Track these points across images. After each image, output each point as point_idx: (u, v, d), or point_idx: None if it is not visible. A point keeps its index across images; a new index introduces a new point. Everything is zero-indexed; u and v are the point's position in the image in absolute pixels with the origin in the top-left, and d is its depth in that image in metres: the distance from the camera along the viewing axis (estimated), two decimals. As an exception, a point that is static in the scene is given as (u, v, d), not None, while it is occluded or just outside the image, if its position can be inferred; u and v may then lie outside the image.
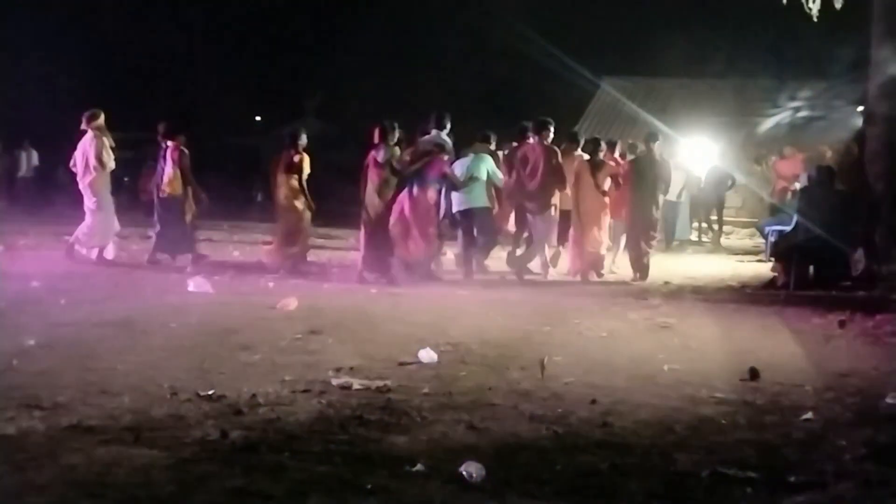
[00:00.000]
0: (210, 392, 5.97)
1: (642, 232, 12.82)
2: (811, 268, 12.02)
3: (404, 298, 10.56)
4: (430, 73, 32.22)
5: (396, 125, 12.27)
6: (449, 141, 12.84)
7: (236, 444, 5.00)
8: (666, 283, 12.51)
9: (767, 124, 23.09)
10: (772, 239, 13.80)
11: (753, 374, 6.82)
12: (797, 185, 15.81)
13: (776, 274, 12.32)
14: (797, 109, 22.54)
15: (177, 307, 9.50)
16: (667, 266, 14.65)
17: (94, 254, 13.32)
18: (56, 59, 30.97)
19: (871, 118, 13.70)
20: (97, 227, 13.29)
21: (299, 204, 12.78)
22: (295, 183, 12.78)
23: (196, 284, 10.77)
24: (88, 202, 13.41)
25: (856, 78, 17.10)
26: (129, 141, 38.48)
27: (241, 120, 35.11)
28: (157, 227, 13.48)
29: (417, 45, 32.42)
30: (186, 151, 13.56)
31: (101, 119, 13.40)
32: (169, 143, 13.46)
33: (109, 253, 13.55)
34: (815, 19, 10.73)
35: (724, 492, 4.47)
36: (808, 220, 11.82)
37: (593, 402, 6.02)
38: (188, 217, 13.29)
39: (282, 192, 12.88)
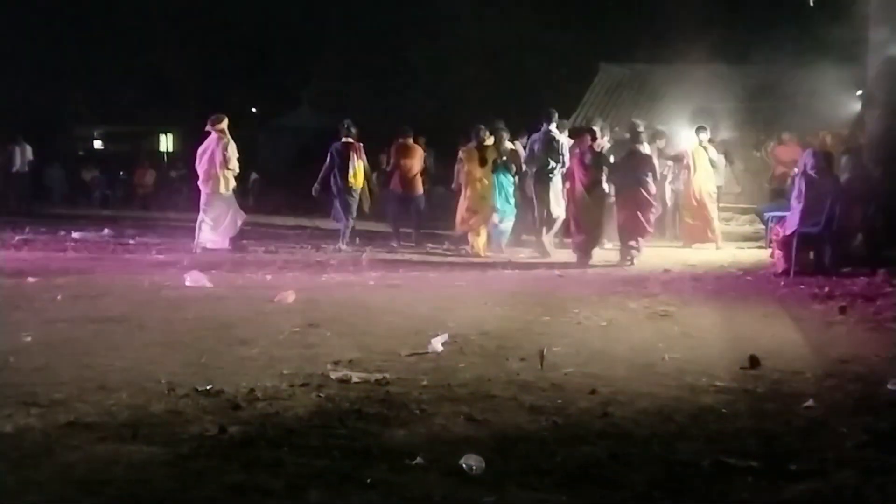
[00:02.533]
0: (208, 387, 5.97)
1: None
2: (811, 254, 12.03)
3: (402, 290, 10.57)
4: (426, 62, 32.16)
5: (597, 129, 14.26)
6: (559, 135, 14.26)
7: (234, 439, 5.00)
8: (665, 270, 12.52)
9: (766, 110, 23.03)
10: (771, 225, 13.80)
11: (754, 361, 6.82)
12: (796, 171, 15.80)
13: (776, 260, 12.34)
14: (796, 94, 22.48)
15: (174, 302, 9.51)
16: (666, 254, 14.67)
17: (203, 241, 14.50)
18: (46, 55, 30.96)
19: (870, 101, 13.69)
20: (218, 223, 14.62)
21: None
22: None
23: (193, 279, 10.77)
24: (205, 195, 14.62)
25: (854, 62, 17.06)
26: (122, 135, 38.50)
27: (236, 111, 35.10)
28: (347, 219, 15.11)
29: (413, 34, 32.34)
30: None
31: (225, 122, 14.55)
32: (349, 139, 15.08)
33: (219, 243, 14.62)
34: (812, 3, 10.69)
35: (725, 481, 4.47)
36: (807, 205, 11.81)
37: (593, 392, 6.03)
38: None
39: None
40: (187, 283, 10.63)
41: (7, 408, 5.46)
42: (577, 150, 13.83)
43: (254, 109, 36.94)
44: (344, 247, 15.12)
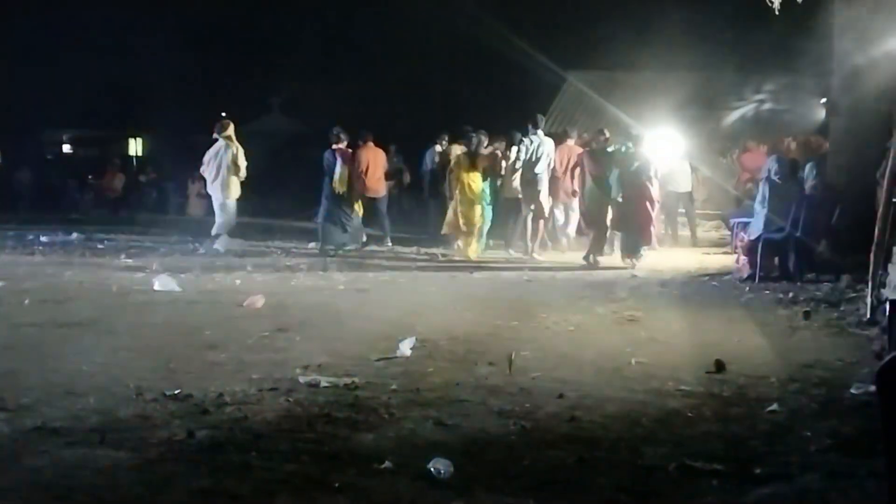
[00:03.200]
0: (176, 392, 5.94)
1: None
2: (776, 259, 12.11)
3: (371, 295, 10.55)
4: (394, 68, 32.16)
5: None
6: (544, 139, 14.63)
7: (203, 443, 4.98)
8: (633, 276, 12.57)
9: (732, 117, 23.23)
10: (737, 231, 13.89)
11: (719, 366, 6.86)
12: (761, 177, 15.92)
13: (741, 266, 12.43)
14: (761, 102, 22.68)
15: (143, 306, 9.45)
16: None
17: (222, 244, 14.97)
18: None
19: (835, 110, 13.79)
20: (223, 220, 15.13)
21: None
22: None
23: (162, 283, 10.71)
24: (217, 201, 15.15)
25: (818, 71, 17.22)
26: (92, 140, 38.15)
27: (206, 116, 34.95)
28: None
29: (382, 40, 32.33)
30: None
31: (231, 128, 15.06)
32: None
33: (222, 245, 15.02)
34: (777, 12, 10.78)
35: (691, 484, 4.50)
36: (771, 212, 11.90)
37: (561, 396, 6.04)
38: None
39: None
40: (156, 288, 10.56)
41: (-27, 412, 5.41)
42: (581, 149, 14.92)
43: (223, 114, 36.76)
44: (314, 246, 15.50)
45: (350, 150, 15.64)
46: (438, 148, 17.78)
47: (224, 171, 14.92)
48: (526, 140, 14.63)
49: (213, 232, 15.37)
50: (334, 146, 15.52)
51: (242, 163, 14.96)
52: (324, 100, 31.21)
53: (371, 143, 16.17)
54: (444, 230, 15.39)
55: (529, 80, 27.27)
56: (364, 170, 15.92)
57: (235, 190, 15.11)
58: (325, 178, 15.50)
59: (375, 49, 32.70)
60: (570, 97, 26.72)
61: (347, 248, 15.29)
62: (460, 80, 31.35)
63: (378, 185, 16.27)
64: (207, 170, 15.13)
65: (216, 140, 15.07)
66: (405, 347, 7.26)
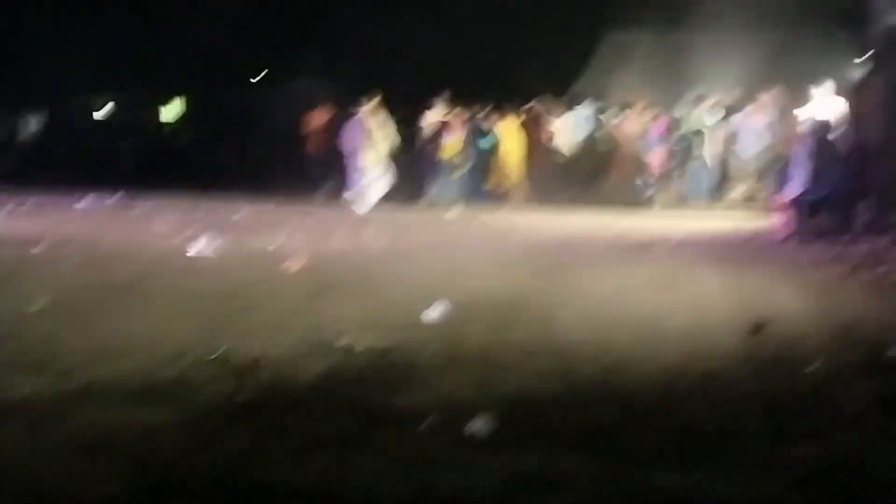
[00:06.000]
0: (214, 355, 6.01)
1: None
2: (816, 218, 12.03)
3: (409, 258, 10.58)
4: (431, 29, 31.99)
5: None
6: None
7: (242, 405, 5.04)
8: (670, 237, 12.51)
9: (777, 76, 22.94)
10: (777, 190, 13.77)
11: (758, 326, 6.84)
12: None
13: (781, 225, 12.35)
14: (803, 61, 22.36)
15: (179, 270, 9.54)
16: (668, 221, 14.67)
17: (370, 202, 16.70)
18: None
19: (873, 68, 13.64)
20: (370, 185, 16.84)
21: None
22: None
23: (197, 248, 10.79)
24: (360, 167, 16.90)
25: (855, 28, 16.98)
26: (127, 105, 38.27)
27: (234, 75, 34.95)
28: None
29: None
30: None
31: (373, 103, 16.83)
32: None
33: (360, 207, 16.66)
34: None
35: (729, 446, 4.51)
36: (811, 170, 11.80)
37: (597, 358, 6.05)
38: None
39: None
40: (191, 253, 10.65)
41: (15, 376, 5.51)
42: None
43: (253, 80, 36.78)
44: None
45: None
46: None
47: (365, 141, 16.84)
48: None
49: (350, 195, 17.05)
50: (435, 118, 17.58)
51: (382, 133, 16.88)
52: (358, 62, 31.13)
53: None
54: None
55: (561, 42, 27.04)
56: None
57: (376, 156, 16.90)
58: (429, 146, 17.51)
59: (410, 7, 32.53)
60: (606, 60, 26.46)
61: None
62: (489, 41, 31.15)
63: None
64: (348, 141, 17.02)
65: (355, 114, 17.02)
66: (434, 313, 7.26)
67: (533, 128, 17.61)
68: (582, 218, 15.25)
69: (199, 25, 31.32)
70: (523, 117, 17.98)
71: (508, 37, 31.21)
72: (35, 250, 10.70)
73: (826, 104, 14.30)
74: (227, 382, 5.44)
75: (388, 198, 17.15)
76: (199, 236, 11.74)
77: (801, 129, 12.92)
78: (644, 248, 11.43)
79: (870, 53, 13.96)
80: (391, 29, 29.78)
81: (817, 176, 11.72)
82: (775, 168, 15.11)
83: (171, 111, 37.71)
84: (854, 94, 15.32)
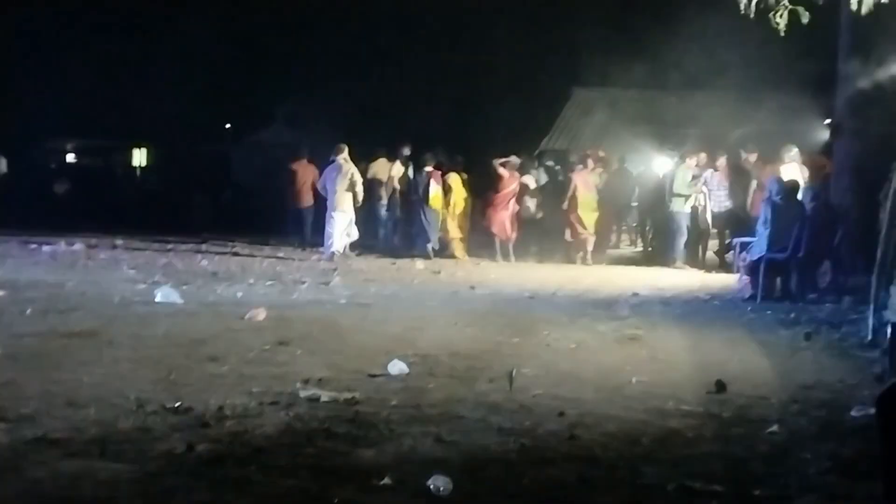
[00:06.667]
0: (177, 404, 5.95)
1: None
2: (778, 280, 12.12)
3: (372, 309, 10.55)
4: (399, 83, 32.24)
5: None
6: None
7: (202, 457, 4.98)
8: (634, 294, 12.56)
9: (734, 135, 23.22)
10: (739, 251, 13.89)
11: (720, 386, 6.86)
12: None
13: (743, 286, 12.44)
14: (762, 122, 22.65)
15: (144, 317, 9.46)
16: (635, 277, 14.74)
17: (336, 248, 16.52)
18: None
19: (839, 132, 13.84)
20: (338, 232, 16.58)
21: None
22: None
23: (163, 295, 10.72)
24: (331, 213, 16.66)
25: (823, 92, 17.25)
26: (93, 148, 38.17)
27: (210, 127, 35.02)
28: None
29: (385, 53, 32.42)
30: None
31: (346, 151, 16.94)
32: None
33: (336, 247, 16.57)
34: (783, 34, 10.82)
35: (690, 505, 4.50)
36: (774, 231, 11.91)
37: (561, 414, 6.04)
38: None
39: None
40: (158, 299, 10.57)
41: (-27, 422, 5.42)
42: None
43: (227, 126, 36.85)
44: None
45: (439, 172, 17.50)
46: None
47: (339, 187, 16.60)
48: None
49: (326, 241, 16.82)
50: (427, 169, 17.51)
51: (358, 180, 16.80)
52: (326, 112, 31.28)
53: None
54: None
55: (534, 98, 27.36)
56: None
57: (348, 202, 16.72)
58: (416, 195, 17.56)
59: (380, 60, 32.76)
60: (574, 114, 26.76)
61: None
62: (465, 95, 31.41)
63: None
64: (328, 187, 16.77)
65: (333, 161, 16.88)
66: (394, 369, 7.23)
67: (496, 182, 17.65)
68: (548, 271, 15.28)
69: (173, 74, 31.38)
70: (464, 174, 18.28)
71: (476, 93, 31.54)
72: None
73: (790, 166, 14.44)
74: (188, 433, 5.38)
75: (357, 246, 17.17)
76: (166, 282, 11.67)
77: (766, 189, 13.04)
78: (609, 304, 11.46)
79: (836, 116, 14.17)
80: (360, 83, 30.05)
81: (779, 237, 11.82)
82: (740, 227, 15.23)
83: (142, 156, 37.60)
84: (819, 156, 15.54)
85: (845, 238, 12.19)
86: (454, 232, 17.45)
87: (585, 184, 16.90)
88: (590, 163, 17.40)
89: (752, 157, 16.04)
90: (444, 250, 17.30)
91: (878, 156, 11.92)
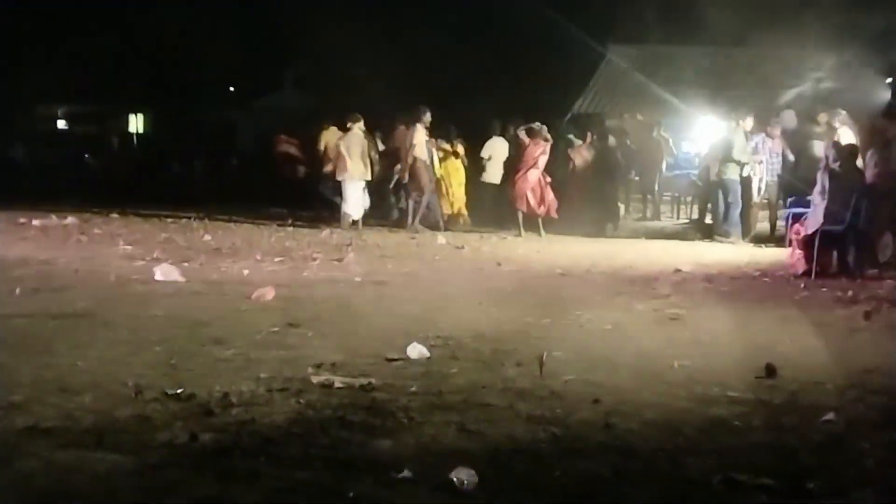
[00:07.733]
0: (178, 391, 5.98)
1: None
2: (834, 254, 12.06)
3: (390, 288, 10.58)
4: (422, 44, 32.15)
5: None
6: None
7: (207, 447, 5.01)
8: (676, 270, 12.54)
9: (787, 96, 23.09)
10: (792, 223, 13.83)
11: (770, 370, 6.84)
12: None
13: (796, 261, 12.38)
14: (819, 80, 22.51)
15: (142, 297, 9.52)
16: (676, 252, 14.71)
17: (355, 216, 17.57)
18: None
19: (896, 95, 13.75)
20: (352, 201, 17.59)
21: None
22: None
23: (163, 272, 10.77)
24: (346, 183, 17.64)
25: (885, 47, 17.11)
26: (92, 115, 38.37)
27: (214, 91, 35.05)
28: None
29: (407, 12, 32.36)
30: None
31: (361, 121, 17.95)
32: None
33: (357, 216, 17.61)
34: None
35: (737, 500, 4.50)
36: (830, 202, 11.84)
37: (595, 401, 6.04)
38: None
39: None
40: (157, 277, 10.63)
41: (-40, 411, 5.47)
42: None
43: (231, 89, 36.91)
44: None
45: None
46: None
47: (352, 156, 17.54)
48: None
49: (343, 210, 17.63)
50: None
51: (369, 150, 17.85)
52: (338, 75, 31.32)
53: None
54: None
55: (565, 56, 27.23)
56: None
57: (361, 173, 17.66)
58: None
59: (399, 26, 32.71)
60: (610, 75, 26.64)
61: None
62: (493, 57, 31.33)
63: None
64: (340, 158, 17.64)
65: (349, 129, 17.74)
66: (413, 352, 7.25)
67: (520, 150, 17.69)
68: (582, 246, 15.28)
69: (175, 36, 31.44)
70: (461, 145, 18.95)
71: (502, 53, 31.44)
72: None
73: (845, 133, 14.34)
74: (191, 422, 5.41)
75: (371, 218, 17.25)
76: (166, 259, 11.72)
77: (820, 158, 12.97)
78: (648, 282, 11.45)
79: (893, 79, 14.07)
80: (368, 50, 30.06)
81: (836, 208, 11.76)
82: (792, 198, 15.18)
83: (138, 123, 37.70)
84: (880, 119, 15.41)
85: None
86: (458, 204, 18.64)
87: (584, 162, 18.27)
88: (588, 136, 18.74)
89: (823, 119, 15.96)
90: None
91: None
